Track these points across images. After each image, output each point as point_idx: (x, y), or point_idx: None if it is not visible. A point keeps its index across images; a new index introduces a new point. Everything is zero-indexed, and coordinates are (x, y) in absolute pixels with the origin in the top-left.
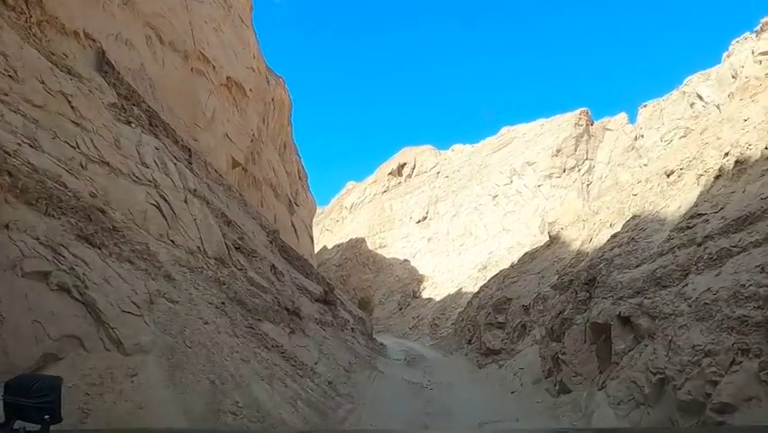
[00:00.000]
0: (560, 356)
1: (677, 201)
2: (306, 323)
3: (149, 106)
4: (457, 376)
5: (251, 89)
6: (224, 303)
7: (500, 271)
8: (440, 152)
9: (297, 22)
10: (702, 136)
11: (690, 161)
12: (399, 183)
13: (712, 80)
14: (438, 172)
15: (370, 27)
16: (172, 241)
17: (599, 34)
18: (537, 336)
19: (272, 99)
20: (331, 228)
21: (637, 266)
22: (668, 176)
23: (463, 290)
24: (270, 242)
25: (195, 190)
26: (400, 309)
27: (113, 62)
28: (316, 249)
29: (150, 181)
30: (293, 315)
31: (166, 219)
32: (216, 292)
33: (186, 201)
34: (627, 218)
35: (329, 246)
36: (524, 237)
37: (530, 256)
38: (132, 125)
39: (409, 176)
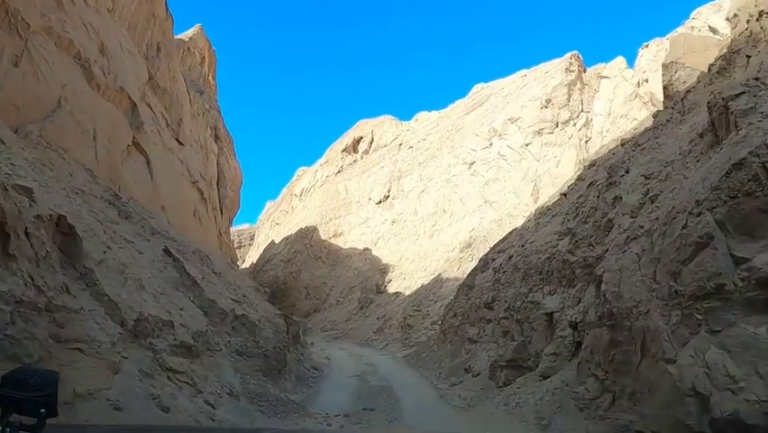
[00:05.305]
0: None
1: None
2: None
3: None
4: None
5: None
6: None
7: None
8: (402, 123)
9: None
10: None
11: None
12: (355, 161)
13: (727, 9)
14: (401, 144)
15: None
16: None
17: None
18: None
19: None
20: (280, 221)
21: None
22: None
23: (443, 276)
24: None
25: None
26: (361, 309)
27: None
28: (265, 244)
29: None
30: None
31: None
32: None
33: None
34: None
35: (277, 240)
36: (513, 208)
37: (652, 133)
38: None
39: (366, 152)
